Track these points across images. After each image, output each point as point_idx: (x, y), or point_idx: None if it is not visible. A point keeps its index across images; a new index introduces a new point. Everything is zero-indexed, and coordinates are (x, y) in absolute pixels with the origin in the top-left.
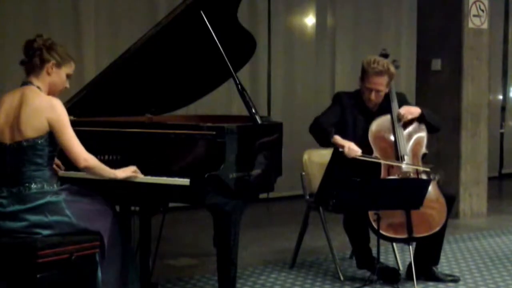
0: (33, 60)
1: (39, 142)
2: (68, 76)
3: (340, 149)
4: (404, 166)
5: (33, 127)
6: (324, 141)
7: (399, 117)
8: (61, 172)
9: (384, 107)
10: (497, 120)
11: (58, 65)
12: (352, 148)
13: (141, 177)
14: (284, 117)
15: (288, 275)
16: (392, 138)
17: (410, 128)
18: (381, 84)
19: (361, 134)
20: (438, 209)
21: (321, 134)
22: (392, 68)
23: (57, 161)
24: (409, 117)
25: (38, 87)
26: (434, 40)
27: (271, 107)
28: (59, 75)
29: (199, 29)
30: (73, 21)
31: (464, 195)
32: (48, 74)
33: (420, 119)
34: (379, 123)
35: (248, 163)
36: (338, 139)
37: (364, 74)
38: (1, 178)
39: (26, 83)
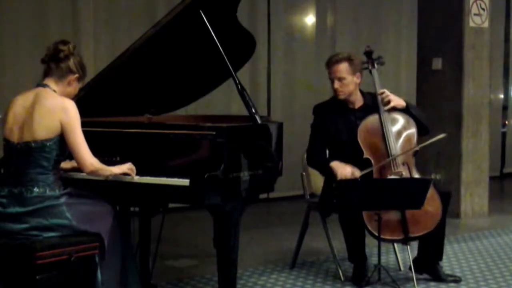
0: (59, 65)
1: (48, 144)
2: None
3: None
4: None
5: (45, 127)
6: (323, 172)
7: (382, 97)
8: (65, 168)
9: (368, 105)
10: (498, 119)
11: (79, 79)
12: (345, 175)
13: (137, 178)
14: (284, 117)
15: (288, 276)
16: (382, 137)
17: (399, 126)
18: (339, 71)
19: (347, 138)
20: (433, 207)
21: (317, 167)
22: (350, 56)
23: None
24: (391, 101)
25: (54, 91)
26: (435, 39)
27: (271, 107)
28: (76, 89)
29: (198, 29)
30: (71, 21)
31: (465, 195)
32: (69, 84)
33: (405, 112)
34: (368, 123)
35: (248, 163)
36: (333, 167)
37: (327, 69)
38: (4, 176)
39: (43, 85)
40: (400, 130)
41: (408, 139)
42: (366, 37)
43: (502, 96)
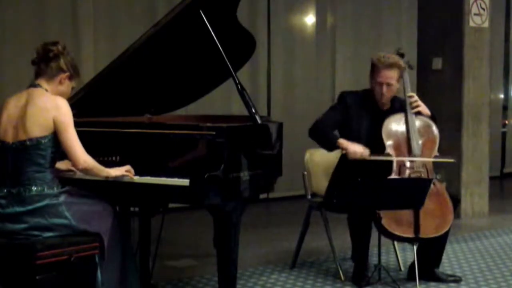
0: (49, 64)
1: (43, 142)
2: (72, 89)
3: (343, 152)
4: (417, 160)
5: (39, 125)
6: (327, 145)
7: (411, 101)
8: (61, 173)
9: (395, 108)
10: (498, 119)
11: (71, 77)
12: (356, 151)
13: (137, 178)
14: (284, 117)
15: (288, 276)
16: (405, 136)
17: (423, 129)
18: (391, 77)
19: (366, 134)
20: (446, 212)
21: (323, 138)
22: (401, 62)
23: (70, 165)
24: (419, 106)
25: (46, 91)
26: (435, 39)
27: (271, 107)
28: (68, 87)
29: (198, 29)
30: (71, 21)
31: (465, 195)
32: (60, 83)
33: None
34: (394, 120)
35: (248, 163)
36: (342, 143)
37: (374, 69)
38: (1, 177)
39: (35, 85)
40: (423, 133)
41: (431, 142)
42: (366, 37)
43: (502, 96)
